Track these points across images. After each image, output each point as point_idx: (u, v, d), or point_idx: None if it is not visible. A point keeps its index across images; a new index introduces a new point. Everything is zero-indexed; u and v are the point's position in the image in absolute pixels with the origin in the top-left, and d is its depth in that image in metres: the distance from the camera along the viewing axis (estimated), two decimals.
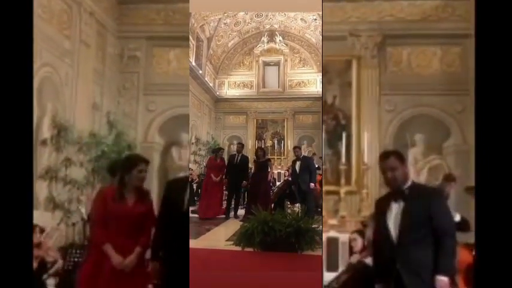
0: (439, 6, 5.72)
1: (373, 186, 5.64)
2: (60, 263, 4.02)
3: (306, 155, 7.81)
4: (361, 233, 3.86)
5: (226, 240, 5.55)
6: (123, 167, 2.64)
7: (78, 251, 4.05)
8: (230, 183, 7.89)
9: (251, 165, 8.59)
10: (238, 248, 5.08)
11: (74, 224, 4.82)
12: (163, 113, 6.09)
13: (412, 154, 5.76)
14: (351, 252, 3.87)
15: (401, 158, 2.45)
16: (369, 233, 3.56)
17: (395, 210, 2.42)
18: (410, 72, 5.86)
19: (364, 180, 5.57)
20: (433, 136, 5.80)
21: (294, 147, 8.37)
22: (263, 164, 7.74)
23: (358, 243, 3.76)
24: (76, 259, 3.98)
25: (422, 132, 5.77)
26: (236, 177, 7.76)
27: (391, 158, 2.43)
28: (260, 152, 8.03)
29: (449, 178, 4.27)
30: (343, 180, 5.54)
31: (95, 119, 5.79)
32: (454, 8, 5.71)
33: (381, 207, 2.51)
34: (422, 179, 5.68)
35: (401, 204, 2.41)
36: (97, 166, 5.13)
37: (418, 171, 5.73)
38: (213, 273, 4.10)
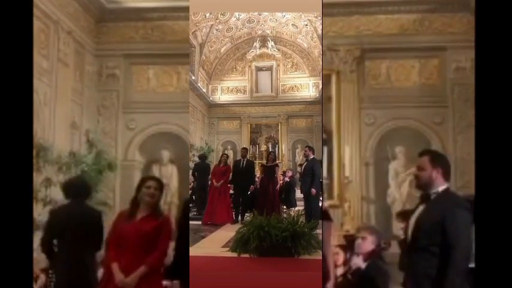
0: (416, 20, 5.77)
1: (356, 200, 5.66)
2: (43, 277, 4.01)
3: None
4: (343, 247, 3.87)
5: (222, 247, 5.49)
6: (136, 188, 2.71)
7: None
8: (236, 188, 7.85)
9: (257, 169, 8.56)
10: (234, 255, 5.02)
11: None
12: (143, 131, 6.07)
13: (393, 167, 5.78)
14: (334, 266, 3.87)
15: (435, 161, 2.33)
16: (356, 244, 3.53)
17: (416, 213, 2.33)
18: (389, 86, 5.89)
19: (346, 194, 5.59)
20: (414, 148, 5.79)
21: (305, 147, 7.92)
22: (271, 168, 7.74)
23: (340, 258, 3.77)
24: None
25: (402, 145, 5.80)
26: (242, 182, 7.73)
27: (423, 158, 2.35)
28: (271, 155, 8.09)
29: None
30: (325, 195, 5.56)
31: (74, 138, 5.74)
32: (431, 22, 5.76)
33: (411, 210, 2.43)
34: (403, 191, 5.70)
35: (423, 208, 2.32)
36: None
37: (399, 184, 5.75)
38: (209, 282, 4.06)
